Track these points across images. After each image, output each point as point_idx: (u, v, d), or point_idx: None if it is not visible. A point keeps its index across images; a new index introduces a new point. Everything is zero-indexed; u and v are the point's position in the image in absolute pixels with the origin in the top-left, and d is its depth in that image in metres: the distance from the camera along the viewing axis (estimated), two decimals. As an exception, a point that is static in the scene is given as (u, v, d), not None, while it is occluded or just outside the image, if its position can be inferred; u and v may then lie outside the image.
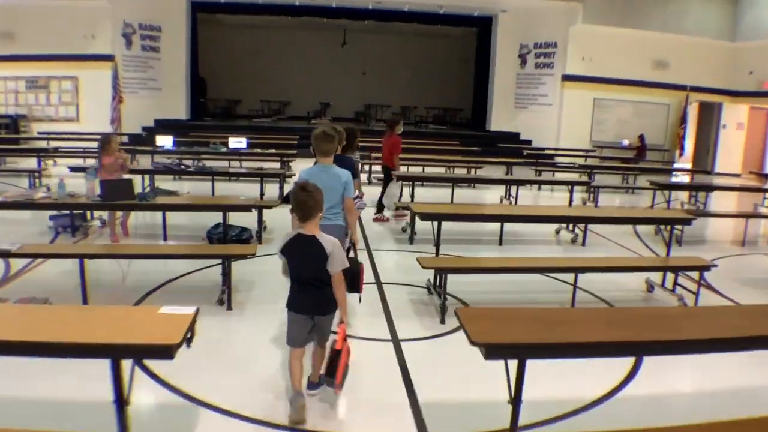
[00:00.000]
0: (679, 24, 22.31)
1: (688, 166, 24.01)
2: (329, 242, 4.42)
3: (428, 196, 12.67)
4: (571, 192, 11.99)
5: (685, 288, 7.79)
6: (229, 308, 6.61)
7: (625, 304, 7.29)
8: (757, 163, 25.46)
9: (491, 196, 14.84)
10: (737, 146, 25.12)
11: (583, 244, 10.47)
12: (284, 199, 11.27)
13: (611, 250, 10.09)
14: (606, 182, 17.17)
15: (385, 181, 11.72)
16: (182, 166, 10.25)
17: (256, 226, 9.66)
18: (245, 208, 8.02)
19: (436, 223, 7.61)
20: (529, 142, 23.68)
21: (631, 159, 21.79)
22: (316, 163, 5.77)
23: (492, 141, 22.82)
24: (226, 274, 6.63)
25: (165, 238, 9.33)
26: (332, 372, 4.39)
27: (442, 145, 20.53)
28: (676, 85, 23.58)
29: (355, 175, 6.54)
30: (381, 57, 30.43)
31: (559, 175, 18.70)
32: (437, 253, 7.34)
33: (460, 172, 17.49)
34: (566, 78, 22.90)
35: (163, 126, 21.71)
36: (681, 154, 23.89)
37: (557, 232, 11.31)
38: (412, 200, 10.42)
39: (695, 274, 7.64)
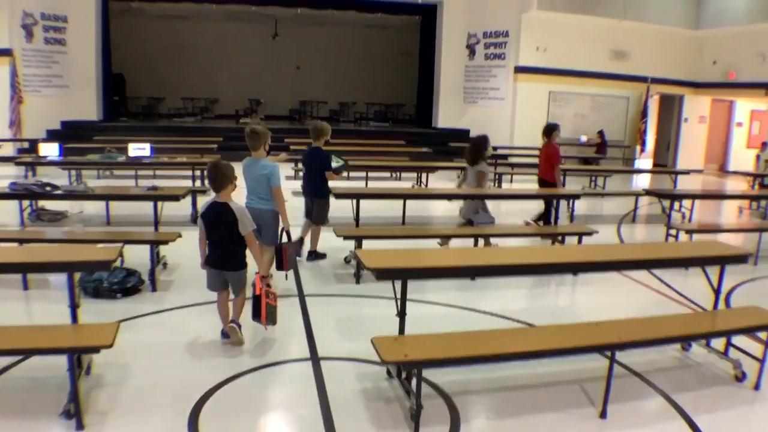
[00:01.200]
0: (640, 11, 20.66)
1: (650, 162, 22.46)
2: (238, 209, 5.35)
3: (372, 209, 10.32)
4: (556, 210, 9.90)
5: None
6: (80, 428, 4.17)
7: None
8: (720, 157, 24.22)
9: (447, 209, 12.68)
10: (699, 140, 23.92)
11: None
12: (197, 220, 9.02)
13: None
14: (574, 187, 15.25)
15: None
16: (48, 188, 7.57)
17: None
18: (102, 265, 4.72)
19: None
20: (479, 140, 21.65)
21: (594, 158, 19.96)
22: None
23: (441, 139, 20.77)
24: (75, 374, 4.17)
25: (26, 287, 6.80)
26: (257, 313, 5.41)
27: (387, 145, 18.25)
28: (636, 76, 22.02)
29: (328, 167, 8.02)
30: (316, 50, 28.09)
31: (518, 182, 16.79)
32: (402, 328, 4.92)
33: (408, 175, 15.49)
34: (519, 70, 20.97)
35: (72, 129, 19.14)
36: (642, 150, 22.25)
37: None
38: (357, 223, 8.14)
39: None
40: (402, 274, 4.37)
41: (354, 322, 6.37)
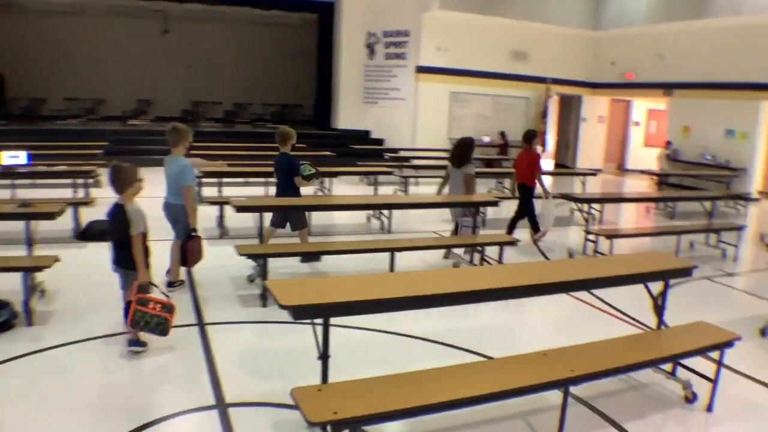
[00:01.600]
0: (540, 12, 20.55)
1: (551, 162, 22.44)
2: (132, 210, 5.26)
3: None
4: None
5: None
6: None
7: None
8: (618, 156, 24.57)
9: (352, 215, 12.01)
10: (598, 140, 24.13)
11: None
12: (81, 235, 8.09)
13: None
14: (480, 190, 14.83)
15: (523, 201, 10.30)
16: None
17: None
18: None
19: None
20: (380, 141, 21.13)
21: (497, 159, 19.69)
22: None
23: (341, 141, 20.08)
24: None
25: None
26: (126, 316, 5.27)
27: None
28: (537, 77, 21.89)
29: (297, 172, 7.81)
30: (209, 48, 26.87)
31: (425, 185, 16.29)
32: (326, 375, 4.14)
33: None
34: (420, 70, 20.44)
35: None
36: (543, 150, 22.13)
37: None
38: (261, 238, 7.32)
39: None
40: (326, 312, 3.65)
41: (264, 355, 5.58)
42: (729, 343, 4.99)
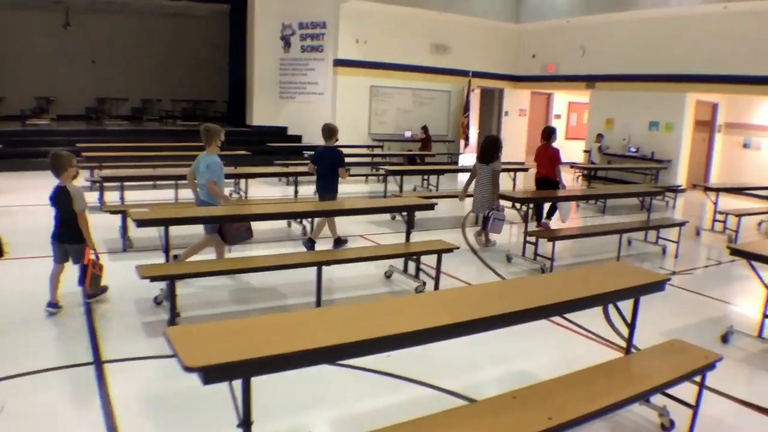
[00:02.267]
0: (460, 4, 20.04)
1: (473, 156, 21.95)
2: (74, 190, 5.99)
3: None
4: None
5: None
6: None
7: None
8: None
9: (273, 223, 11.10)
10: (520, 133, 23.90)
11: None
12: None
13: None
14: (406, 187, 14.13)
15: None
16: None
17: None
18: None
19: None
20: (298, 137, 20.19)
21: (420, 155, 19.03)
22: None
23: (257, 138, 19.06)
24: None
25: None
26: (82, 281, 5.98)
27: (198, 148, 16.12)
28: (458, 70, 21.43)
29: (341, 164, 8.74)
30: (114, 41, 25.15)
31: (349, 182, 15.48)
32: (248, 424, 3.22)
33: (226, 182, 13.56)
34: (339, 63, 19.62)
35: None
36: (467, 144, 21.71)
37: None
38: (168, 256, 6.32)
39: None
40: (245, 371, 2.77)
41: (175, 399, 4.60)
42: (711, 366, 4.38)
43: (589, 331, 6.28)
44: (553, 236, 8.36)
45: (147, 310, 6.24)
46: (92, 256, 6.00)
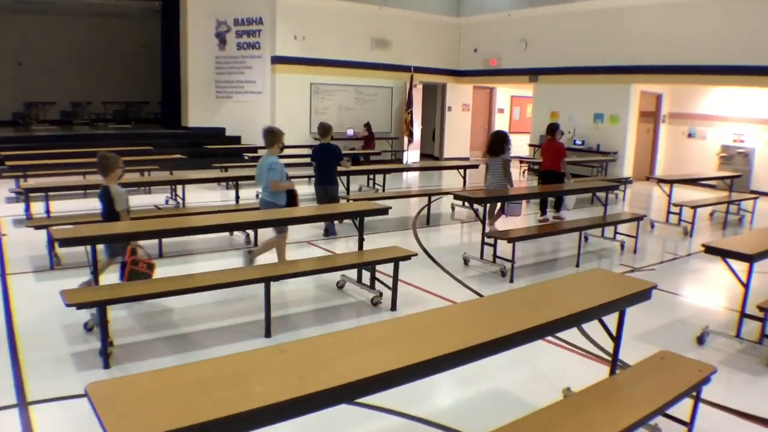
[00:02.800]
0: (401, -2, 19.60)
1: (417, 153, 21.60)
2: (116, 191, 6.32)
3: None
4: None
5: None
6: None
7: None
8: (483, 144, 23.91)
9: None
10: (464, 128, 23.64)
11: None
12: None
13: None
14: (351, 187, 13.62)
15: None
16: None
17: None
18: None
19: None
20: (237, 138, 19.47)
21: (365, 154, 18.51)
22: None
23: (194, 140, 18.32)
24: None
25: None
26: (122, 275, 6.13)
27: (131, 153, 15.27)
28: (399, 65, 21.07)
29: (340, 156, 9.70)
30: (41, 42, 23.96)
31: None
32: None
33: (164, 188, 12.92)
34: (277, 60, 18.96)
35: None
36: (410, 141, 21.26)
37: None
38: (97, 278, 5.65)
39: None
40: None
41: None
42: (706, 379, 3.99)
43: (566, 342, 5.86)
44: (514, 237, 7.93)
45: (77, 338, 5.54)
46: (141, 254, 6.13)
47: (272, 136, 7.71)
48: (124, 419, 2.20)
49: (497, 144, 9.97)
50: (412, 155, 21.29)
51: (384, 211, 6.94)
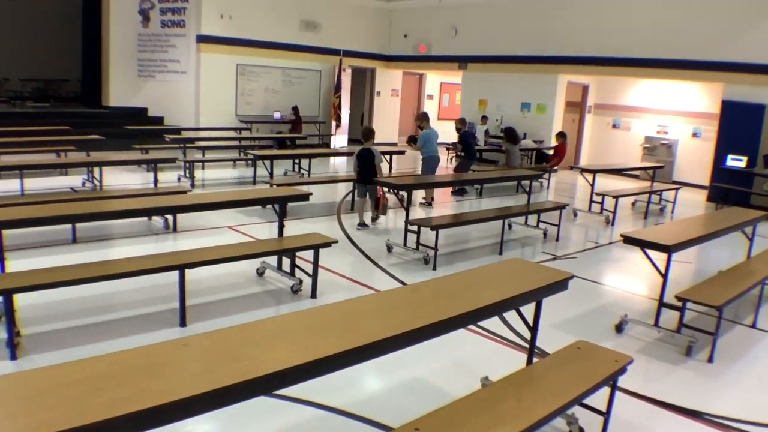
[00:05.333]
0: (330, -21, 19.38)
1: (345, 138, 21.44)
2: (376, 151, 9.66)
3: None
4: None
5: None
6: None
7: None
8: (412, 130, 24.01)
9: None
10: (393, 114, 23.60)
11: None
12: None
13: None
14: (276, 172, 13.40)
15: None
16: None
17: None
18: None
19: None
20: (160, 119, 18.98)
21: (291, 138, 18.28)
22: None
23: (114, 121, 17.75)
24: None
25: None
26: (377, 206, 9.96)
27: (48, 132, 14.74)
28: (329, 48, 20.79)
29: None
30: (-51, 15, 22.93)
31: (212, 168, 14.69)
32: None
33: (75, 177, 12.48)
34: (202, 39, 18.43)
35: None
36: (338, 125, 21.07)
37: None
38: (3, 265, 5.38)
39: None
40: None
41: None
42: (623, 370, 4.02)
43: (486, 330, 5.87)
44: (437, 225, 7.91)
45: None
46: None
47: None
48: (12, 418, 2.05)
49: (512, 135, 14.27)
50: (339, 140, 21.11)
51: (304, 196, 6.79)
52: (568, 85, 18.54)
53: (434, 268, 7.78)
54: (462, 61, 20.36)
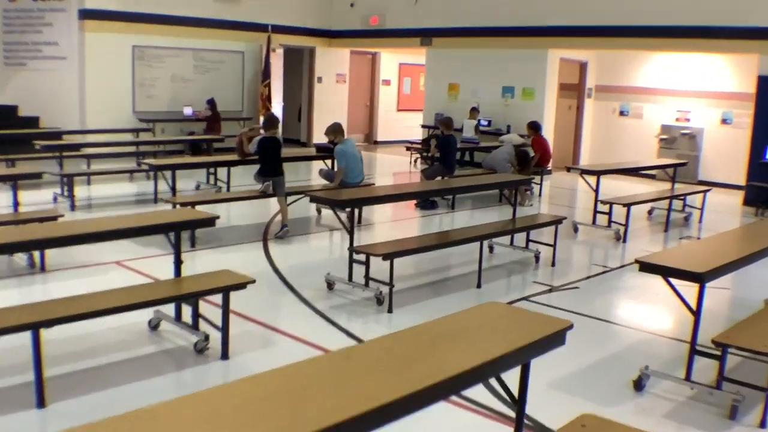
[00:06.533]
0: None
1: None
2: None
3: None
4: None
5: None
6: None
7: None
8: (365, 125, 24.97)
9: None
10: (339, 105, 23.51)
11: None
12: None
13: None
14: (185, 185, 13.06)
15: None
16: None
17: None
18: None
19: None
20: (35, 120, 18.41)
21: (207, 140, 17.87)
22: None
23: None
24: None
25: None
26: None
27: None
28: (253, 24, 20.80)
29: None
30: None
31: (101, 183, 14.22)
32: None
33: None
34: (87, 15, 18.08)
35: None
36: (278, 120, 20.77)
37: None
38: None
39: None
40: None
41: None
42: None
43: (465, 398, 5.51)
44: (390, 253, 7.50)
45: None
46: None
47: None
48: None
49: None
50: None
51: (209, 221, 6.37)
52: (561, 62, 18.52)
53: (389, 310, 7.42)
54: (425, 36, 20.30)
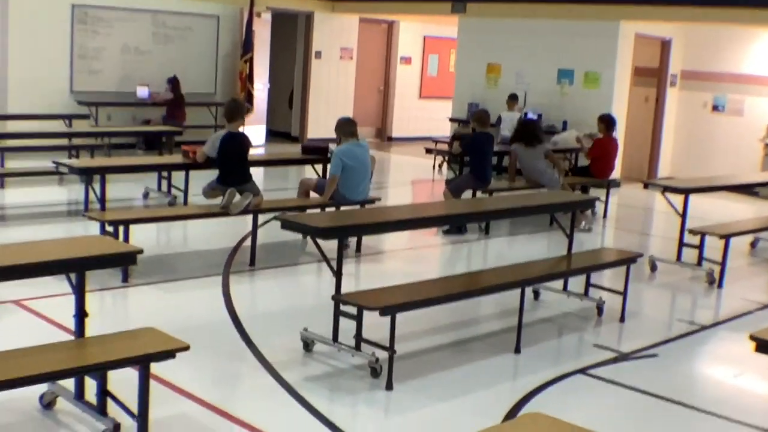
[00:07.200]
0: None
1: (263, 129, 21.67)
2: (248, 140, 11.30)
3: None
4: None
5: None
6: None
7: None
8: (377, 117, 25.06)
9: None
10: (343, 90, 23.69)
11: None
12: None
13: None
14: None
15: None
16: None
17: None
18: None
19: None
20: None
21: (168, 132, 17.49)
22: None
23: None
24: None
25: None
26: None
27: None
28: (228, -18, 20.90)
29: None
30: None
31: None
32: None
33: None
34: (11, -39, 18.15)
35: None
36: (249, 110, 20.26)
37: None
38: None
39: None
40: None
41: None
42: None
43: None
44: (388, 306, 6.83)
45: None
46: None
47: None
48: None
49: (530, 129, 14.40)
50: (253, 133, 20.37)
51: (127, 258, 5.72)
52: (636, 39, 18.33)
53: (388, 386, 6.84)
54: (458, 0, 19.80)
